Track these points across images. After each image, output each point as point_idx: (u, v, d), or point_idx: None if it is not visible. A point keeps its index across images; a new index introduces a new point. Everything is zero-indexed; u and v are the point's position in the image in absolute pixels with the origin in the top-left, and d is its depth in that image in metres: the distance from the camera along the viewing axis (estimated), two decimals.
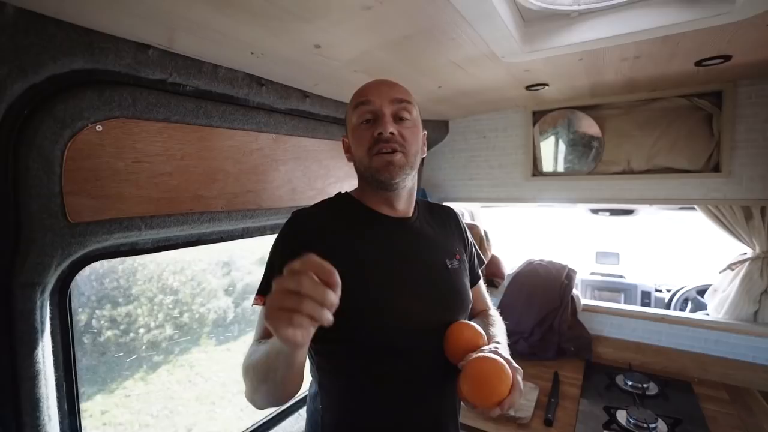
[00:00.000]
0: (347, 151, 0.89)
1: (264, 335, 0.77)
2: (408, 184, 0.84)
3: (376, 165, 0.78)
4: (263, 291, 0.78)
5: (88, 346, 3.39)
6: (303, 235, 0.79)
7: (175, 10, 0.69)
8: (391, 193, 0.83)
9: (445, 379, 0.82)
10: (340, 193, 0.91)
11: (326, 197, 0.91)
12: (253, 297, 0.80)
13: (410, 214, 0.89)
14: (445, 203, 2.05)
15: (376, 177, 0.79)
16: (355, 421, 0.80)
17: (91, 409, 3.22)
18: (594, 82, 1.42)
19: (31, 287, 0.73)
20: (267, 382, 0.67)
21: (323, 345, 0.79)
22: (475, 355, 0.74)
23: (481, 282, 1.07)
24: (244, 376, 0.72)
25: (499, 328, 0.95)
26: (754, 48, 1.06)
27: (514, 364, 0.74)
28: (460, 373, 0.73)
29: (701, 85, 1.45)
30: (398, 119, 0.80)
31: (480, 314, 1.04)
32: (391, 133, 0.77)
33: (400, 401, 0.80)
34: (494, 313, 1.04)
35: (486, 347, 0.77)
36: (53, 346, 0.81)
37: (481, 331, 0.81)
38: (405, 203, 0.87)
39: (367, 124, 0.80)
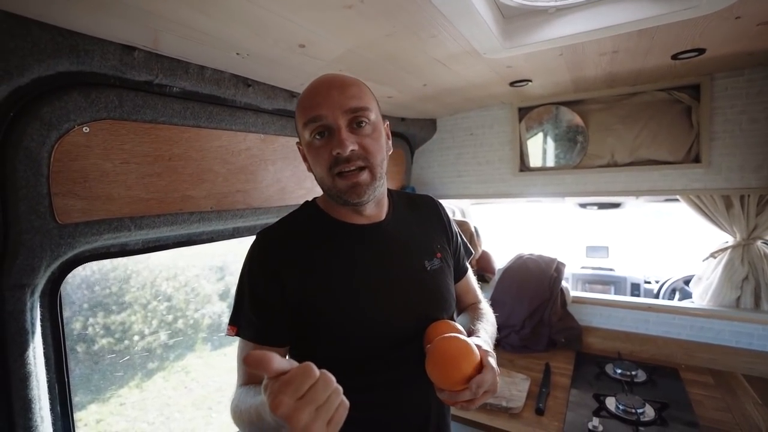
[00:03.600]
0: (305, 159, 0.81)
1: (248, 379, 0.74)
2: (377, 195, 0.78)
3: (340, 187, 0.73)
4: (235, 322, 0.77)
5: (82, 354, 3.36)
6: (270, 258, 0.77)
7: (159, 11, 0.70)
8: (359, 207, 0.79)
9: (431, 383, 0.81)
10: (307, 202, 0.88)
11: (316, 195, 0.91)
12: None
13: (382, 218, 0.85)
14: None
15: (342, 198, 0.74)
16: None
17: (85, 418, 3.18)
18: (576, 77, 1.45)
19: (21, 289, 0.74)
20: None
21: (303, 360, 0.80)
22: (438, 337, 0.72)
23: (470, 274, 1.06)
24: (234, 421, 0.70)
25: (486, 321, 0.93)
26: (726, 41, 1.10)
27: (486, 347, 0.72)
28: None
29: (679, 79, 1.49)
30: (356, 125, 0.73)
31: (469, 308, 1.03)
32: (352, 150, 0.70)
33: (387, 409, 0.79)
34: (484, 306, 1.03)
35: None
36: (44, 348, 0.81)
37: (459, 328, 0.79)
38: (375, 209, 0.83)
39: (321, 138, 0.73)
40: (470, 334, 0.82)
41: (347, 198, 0.74)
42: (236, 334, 0.77)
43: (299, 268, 0.75)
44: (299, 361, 0.79)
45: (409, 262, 0.83)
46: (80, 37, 0.74)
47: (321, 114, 0.71)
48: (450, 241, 0.97)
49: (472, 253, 1.08)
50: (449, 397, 0.69)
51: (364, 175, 0.73)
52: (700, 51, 1.16)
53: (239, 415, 0.68)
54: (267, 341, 0.75)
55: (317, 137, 0.73)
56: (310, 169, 0.81)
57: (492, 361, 0.70)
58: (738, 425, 1.19)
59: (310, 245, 0.78)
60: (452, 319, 0.90)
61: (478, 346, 0.71)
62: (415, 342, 0.79)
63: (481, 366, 0.68)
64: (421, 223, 0.92)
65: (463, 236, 1.05)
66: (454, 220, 1.04)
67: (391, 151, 0.83)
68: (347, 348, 0.76)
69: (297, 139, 0.82)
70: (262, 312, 0.75)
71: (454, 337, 0.71)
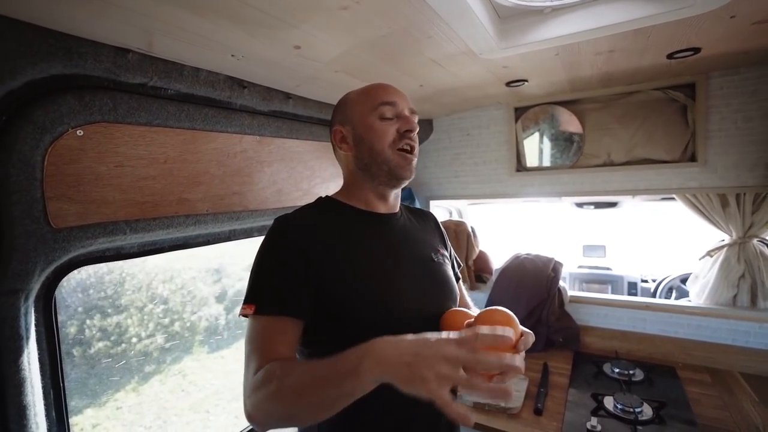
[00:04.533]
0: (342, 141, 0.88)
1: (268, 354, 0.69)
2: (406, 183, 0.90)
3: (397, 161, 0.83)
4: (253, 299, 0.74)
5: (78, 358, 3.33)
6: (295, 233, 0.77)
7: (153, 13, 0.69)
8: (390, 189, 0.88)
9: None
10: (320, 197, 0.92)
11: (313, 197, 0.92)
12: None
13: (396, 210, 0.94)
14: (431, 203, 2.09)
15: (393, 171, 0.84)
16: (355, 424, 0.80)
17: (81, 422, 3.15)
18: (572, 77, 1.46)
19: (14, 294, 0.73)
20: (323, 408, 0.61)
21: (317, 348, 0.79)
22: (481, 311, 0.75)
23: (461, 283, 1.10)
24: (285, 396, 0.62)
25: None
26: (721, 40, 1.10)
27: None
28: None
29: (675, 78, 1.50)
30: None
31: None
32: (416, 132, 0.85)
33: (401, 396, 0.80)
34: (477, 311, 1.06)
35: None
36: (39, 353, 0.81)
37: (473, 315, 0.81)
38: (394, 200, 0.92)
39: (389, 120, 0.84)
40: None
41: (400, 172, 0.84)
42: (254, 312, 0.72)
43: (322, 246, 0.77)
44: (312, 342, 0.78)
45: (420, 252, 0.90)
46: (73, 39, 0.73)
47: (396, 101, 0.84)
48: (446, 249, 1.03)
49: (461, 265, 1.14)
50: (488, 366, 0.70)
51: (414, 160, 0.86)
52: (696, 50, 1.17)
53: (300, 381, 0.61)
54: (289, 312, 0.72)
55: (386, 119, 0.84)
56: (347, 149, 0.87)
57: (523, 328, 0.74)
58: (735, 423, 1.20)
59: (330, 227, 0.82)
60: None
61: None
62: (431, 324, 0.81)
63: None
64: (422, 227, 1.00)
65: (453, 251, 1.11)
66: (451, 221, 1.08)
67: None
68: (364, 329, 0.74)
69: (294, 140, 0.84)
70: (286, 282, 0.73)
71: (498, 309, 0.74)
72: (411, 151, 0.85)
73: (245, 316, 0.74)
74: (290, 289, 0.74)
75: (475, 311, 1.04)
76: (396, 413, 0.80)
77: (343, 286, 0.76)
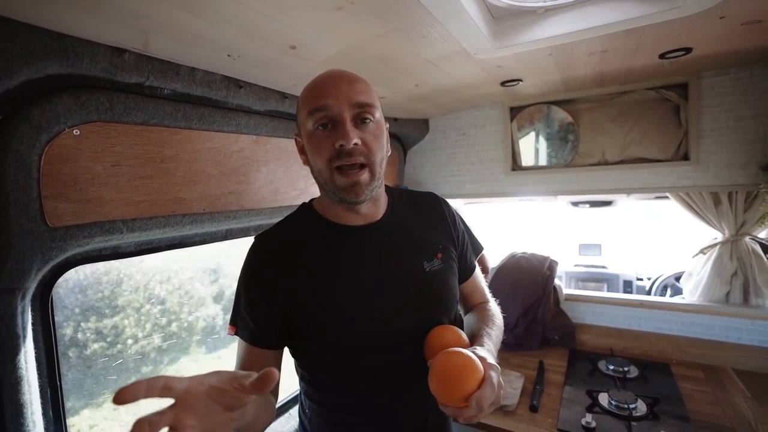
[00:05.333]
0: (302, 152, 0.80)
1: (241, 368, 0.76)
2: (374, 195, 0.77)
3: (339, 184, 0.71)
4: (234, 322, 0.80)
5: (74, 359, 3.32)
6: (261, 265, 0.78)
7: (149, 13, 0.70)
8: (351, 206, 0.77)
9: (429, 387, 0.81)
10: (304, 204, 0.87)
11: (309, 197, 0.91)
12: None
13: (378, 217, 0.82)
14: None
15: (339, 195, 0.73)
16: (342, 426, 0.81)
17: (78, 423, 3.14)
18: (566, 77, 1.47)
19: (11, 293, 0.73)
20: None
21: (301, 361, 0.82)
22: (442, 352, 0.69)
23: (477, 272, 1.01)
24: None
25: (492, 324, 0.88)
26: (712, 40, 1.12)
27: (490, 361, 0.67)
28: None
29: (668, 78, 1.51)
30: (360, 121, 0.71)
31: (477, 308, 0.98)
32: (355, 144, 0.68)
33: (383, 412, 0.80)
34: (492, 306, 0.98)
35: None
36: (36, 352, 0.81)
37: (462, 335, 0.78)
38: (371, 208, 0.81)
39: (324, 129, 0.70)
40: (475, 338, 0.80)
41: (344, 196, 0.72)
42: (235, 334, 0.80)
43: (290, 275, 0.76)
44: (299, 360, 0.81)
45: (405, 263, 0.80)
46: (70, 39, 0.73)
47: (328, 104, 0.69)
48: (455, 241, 0.92)
49: (482, 249, 1.04)
50: (453, 413, 0.66)
51: (365, 175, 0.71)
52: (687, 50, 1.18)
53: None
54: (260, 343, 0.77)
55: (320, 128, 0.71)
56: (306, 162, 0.79)
57: (494, 375, 0.65)
58: (728, 418, 1.21)
59: (303, 251, 0.78)
60: (456, 318, 0.89)
61: (483, 359, 0.66)
62: (413, 344, 0.77)
63: (483, 381, 0.64)
64: (422, 222, 0.88)
65: (469, 234, 1.00)
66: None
67: (390, 153, 0.81)
68: (341, 351, 0.76)
69: (290, 139, 0.83)
70: (254, 316, 0.76)
71: (458, 352, 0.67)
72: (353, 167, 0.69)
73: (230, 335, 0.80)
74: (258, 323, 0.76)
75: (491, 305, 0.98)
76: (383, 414, 0.80)
77: (311, 313, 0.75)
